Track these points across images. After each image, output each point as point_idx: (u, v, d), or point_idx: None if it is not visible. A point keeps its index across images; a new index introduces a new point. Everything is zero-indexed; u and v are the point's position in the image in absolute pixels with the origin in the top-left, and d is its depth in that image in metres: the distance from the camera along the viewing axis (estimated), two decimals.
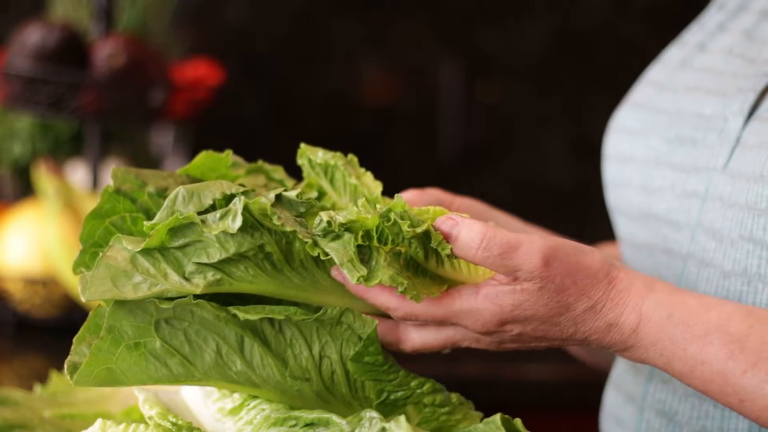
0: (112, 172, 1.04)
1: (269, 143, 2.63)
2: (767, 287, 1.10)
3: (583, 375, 1.99)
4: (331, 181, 1.09)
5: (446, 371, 2.01)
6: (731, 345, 0.99)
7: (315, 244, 0.98)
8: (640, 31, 2.72)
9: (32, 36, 2.04)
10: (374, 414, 0.99)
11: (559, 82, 2.74)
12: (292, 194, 0.99)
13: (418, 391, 1.04)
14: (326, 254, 0.97)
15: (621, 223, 1.29)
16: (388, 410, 1.03)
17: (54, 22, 2.10)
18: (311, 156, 1.09)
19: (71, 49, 2.04)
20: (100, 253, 0.98)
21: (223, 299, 1.03)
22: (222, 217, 0.97)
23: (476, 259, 0.99)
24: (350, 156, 1.10)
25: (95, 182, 2.11)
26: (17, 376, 1.90)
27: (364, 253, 0.98)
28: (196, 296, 1.00)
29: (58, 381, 1.23)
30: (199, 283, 0.98)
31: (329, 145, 1.12)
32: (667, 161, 1.22)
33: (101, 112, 2.03)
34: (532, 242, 0.99)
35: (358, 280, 0.97)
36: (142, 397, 1.06)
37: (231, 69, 2.36)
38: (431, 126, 2.72)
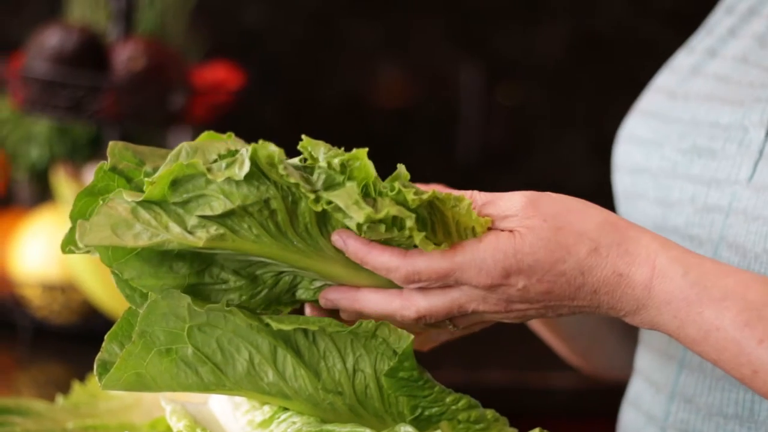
0: (109, 147, 1.00)
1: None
2: None
3: (606, 382, 1.98)
4: None
5: (470, 379, 2.00)
6: (748, 312, 0.95)
7: (317, 199, 0.96)
8: (661, 32, 2.71)
9: (51, 39, 2.03)
10: (409, 428, 0.98)
11: (579, 85, 2.74)
12: (294, 160, 0.98)
13: (453, 407, 1.02)
14: (330, 203, 0.95)
15: None
16: (422, 426, 1.01)
17: (72, 24, 2.09)
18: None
19: (90, 52, 2.03)
20: (100, 201, 0.96)
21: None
22: (228, 166, 0.95)
23: None
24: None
25: None
26: (35, 384, 1.89)
27: (368, 196, 0.97)
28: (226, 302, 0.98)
29: (80, 391, 1.21)
30: (202, 236, 0.95)
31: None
32: (684, 173, 1.19)
33: (120, 116, 2.02)
34: (514, 192, 1.00)
35: (366, 217, 0.95)
36: (169, 408, 1.04)
37: (249, 71, 2.34)
38: (450, 129, 2.72)
